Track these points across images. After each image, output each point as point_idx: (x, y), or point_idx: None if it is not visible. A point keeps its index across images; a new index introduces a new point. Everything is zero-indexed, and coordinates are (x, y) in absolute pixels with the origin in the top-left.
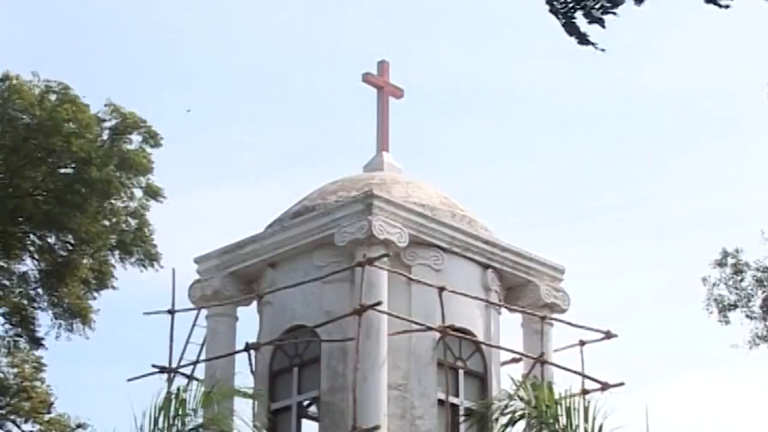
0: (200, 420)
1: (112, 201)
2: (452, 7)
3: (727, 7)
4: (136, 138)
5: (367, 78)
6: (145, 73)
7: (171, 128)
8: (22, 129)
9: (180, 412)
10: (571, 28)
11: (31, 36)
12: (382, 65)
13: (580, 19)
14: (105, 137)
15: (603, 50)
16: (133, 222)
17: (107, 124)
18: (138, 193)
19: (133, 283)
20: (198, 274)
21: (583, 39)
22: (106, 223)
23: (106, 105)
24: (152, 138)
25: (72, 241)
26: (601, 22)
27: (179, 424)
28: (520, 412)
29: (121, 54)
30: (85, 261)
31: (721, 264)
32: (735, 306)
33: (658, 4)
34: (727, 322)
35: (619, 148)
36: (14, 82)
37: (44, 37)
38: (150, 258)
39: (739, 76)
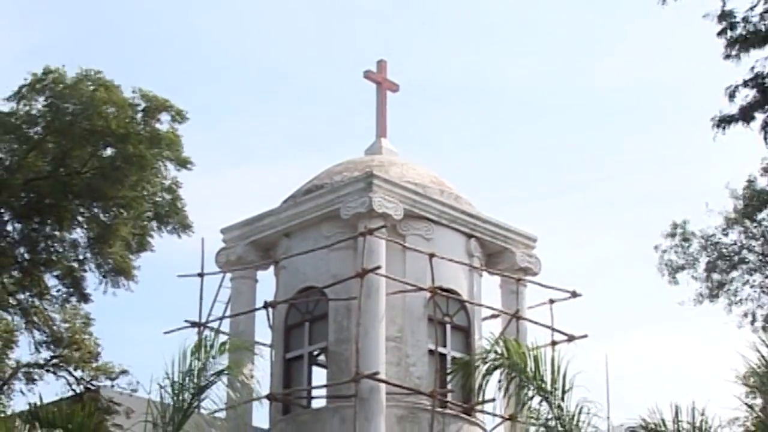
0: (221, 366)
1: (149, 176)
2: (443, 13)
3: None
4: (165, 117)
5: (367, 74)
6: (173, 70)
7: (197, 118)
8: (68, 114)
9: (204, 361)
10: None
11: (68, 40)
12: (381, 63)
13: None
14: (138, 118)
15: None
16: (167, 196)
17: (139, 108)
18: (171, 168)
19: (168, 251)
20: (223, 242)
21: None
22: (144, 192)
23: (134, 92)
24: (178, 115)
25: (115, 210)
26: None
27: (204, 368)
28: (498, 362)
29: (153, 55)
30: (126, 227)
31: (671, 235)
32: (682, 268)
33: (617, 10)
34: (676, 283)
35: (584, 134)
36: (56, 74)
37: (83, 41)
38: (184, 226)
39: (685, 70)
